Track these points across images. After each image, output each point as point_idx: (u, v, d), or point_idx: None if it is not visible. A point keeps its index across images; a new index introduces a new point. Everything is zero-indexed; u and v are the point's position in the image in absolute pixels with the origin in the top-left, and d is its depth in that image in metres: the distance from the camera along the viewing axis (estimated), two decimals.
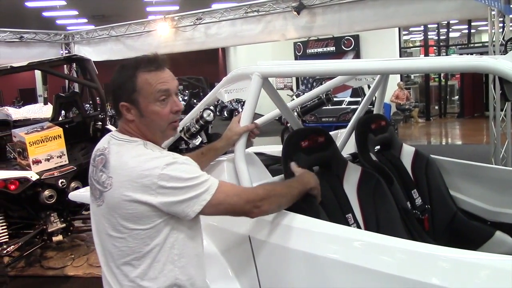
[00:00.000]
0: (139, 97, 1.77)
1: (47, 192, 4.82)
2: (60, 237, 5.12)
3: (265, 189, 1.95)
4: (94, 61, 6.03)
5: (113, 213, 1.74)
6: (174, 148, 10.10)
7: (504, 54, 1.95)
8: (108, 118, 6.73)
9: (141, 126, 1.82)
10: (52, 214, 5.06)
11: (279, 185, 2.07)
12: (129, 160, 1.72)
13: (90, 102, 6.39)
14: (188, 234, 1.82)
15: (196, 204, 1.73)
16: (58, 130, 5.01)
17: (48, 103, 7.32)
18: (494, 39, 6.97)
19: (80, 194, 3.71)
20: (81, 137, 5.83)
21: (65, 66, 10.31)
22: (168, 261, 1.78)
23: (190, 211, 1.73)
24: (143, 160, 1.70)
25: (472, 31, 24.36)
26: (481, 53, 15.28)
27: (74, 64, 7.10)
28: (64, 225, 5.12)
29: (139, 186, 1.68)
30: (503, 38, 6.89)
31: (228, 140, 2.35)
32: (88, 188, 4.05)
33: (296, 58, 18.08)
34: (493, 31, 7.00)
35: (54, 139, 4.94)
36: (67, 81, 8.96)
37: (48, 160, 4.90)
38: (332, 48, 17.49)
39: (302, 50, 18.14)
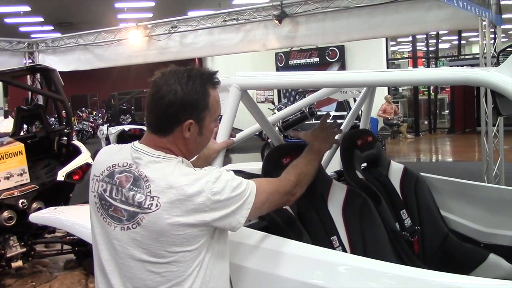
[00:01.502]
0: (207, 115, 1.83)
1: (6, 214, 4.72)
2: (19, 263, 5.02)
3: (295, 173, 2.07)
4: (60, 72, 5.97)
5: (158, 237, 1.70)
6: None
7: (496, 66, 1.98)
8: (74, 133, 6.67)
9: (190, 145, 1.85)
10: (11, 238, 4.95)
11: (303, 164, 2.14)
12: (179, 178, 1.71)
13: (55, 115, 6.31)
14: (220, 253, 1.85)
15: (244, 209, 1.80)
16: (19, 146, 4.93)
17: (9, 116, 7.23)
18: (485, 51, 7.09)
19: (42, 216, 3.64)
20: (45, 154, 5.76)
21: (28, 76, 10.19)
22: (203, 283, 1.78)
23: (240, 217, 1.79)
24: (194, 178, 1.73)
25: (463, 42, 24.84)
26: (472, 65, 15.55)
27: (38, 74, 7.02)
28: (24, 249, 5.02)
29: (192, 205, 1.69)
30: (494, 50, 7.02)
31: (206, 159, 2.32)
32: (51, 209, 3.99)
33: (278, 69, 18.20)
34: (484, 42, 7.13)
35: (14, 156, 4.87)
36: (30, 93, 8.85)
37: (7, 178, 4.82)
38: (316, 59, 17.66)
39: (284, 61, 18.26)
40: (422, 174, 3.23)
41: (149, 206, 1.70)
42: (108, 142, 12.95)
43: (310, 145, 2.33)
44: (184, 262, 1.73)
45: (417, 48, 20.10)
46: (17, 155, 4.89)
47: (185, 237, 1.70)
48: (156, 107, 1.79)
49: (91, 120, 23.66)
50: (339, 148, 3.03)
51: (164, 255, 1.71)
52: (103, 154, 1.92)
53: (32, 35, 18.44)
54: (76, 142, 5.93)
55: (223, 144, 2.32)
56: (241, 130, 3.09)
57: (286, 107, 10.57)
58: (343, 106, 12.90)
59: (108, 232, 1.79)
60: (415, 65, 19.54)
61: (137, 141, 1.86)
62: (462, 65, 17.92)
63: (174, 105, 1.75)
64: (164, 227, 1.68)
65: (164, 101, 1.76)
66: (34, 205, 4.90)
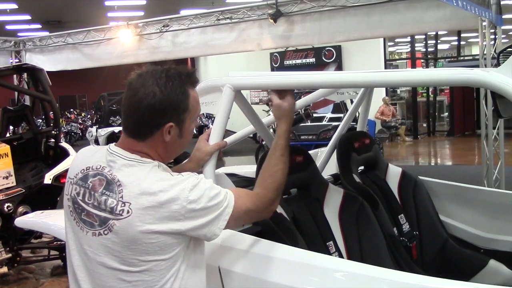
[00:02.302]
0: (187, 117, 1.80)
1: None
2: (5, 269, 4.99)
3: (274, 189, 1.99)
4: (47, 71, 5.96)
5: (129, 244, 1.67)
6: None
7: (497, 67, 1.99)
8: (62, 135, 6.64)
9: (170, 148, 1.82)
10: None
11: (280, 173, 2.02)
12: (153, 184, 1.68)
13: (42, 116, 6.29)
14: (196, 263, 1.83)
15: (220, 221, 1.76)
16: (5, 148, 4.91)
17: None
18: (485, 52, 7.12)
19: (28, 220, 3.62)
20: (31, 156, 5.73)
21: (14, 76, 10.16)
22: None
23: (216, 229, 1.76)
24: (169, 184, 1.69)
25: (462, 43, 24.97)
26: (472, 67, 15.61)
27: (25, 74, 7.00)
28: (9, 255, 4.99)
29: (166, 212, 1.65)
30: (494, 51, 7.04)
31: (198, 162, 2.31)
32: (38, 213, 3.97)
33: (273, 70, 18.18)
34: (484, 43, 7.15)
35: (0, 158, 4.84)
36: (16, 93, 8.81)
37: None
38: (312, 60, 17.66)
39: (279, 62, 18.26)
40: (420, 177, 3.23)
41: (121, 212, 1.66)
42: (97, 144, 12.91)
43: (278, 131, 2.13)
44: (158, 271, 1.70)
45: (416, 48, 20.14)
46: (2, 157, 4.86)
47: (158, 245, 1.67)
48: (134, 111, 1.74)
49: (80, 121, 23.59)
50: (335, 151, 3.03)
51: (135, 263, 1.68)
52: (79, 156, 1.89)
53: (19, 34, 18.40)
54: (64, 144, 5.91)
55: (215, 147, 2.30)
56: (235, 132, 3.09)
57: None
58: (339, 107, 12.91)
59: (80, 237, 1.76)
60: (413, 66, 19.60)
61: (114, 143, 1.83)
62: (462, 66, 17.96)
63: (153, 108, 1.71)
64: (136, 234, 1.65)
65: (142, 105, 1.71)
66: (20, 209, 4.88)
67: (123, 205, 1.66)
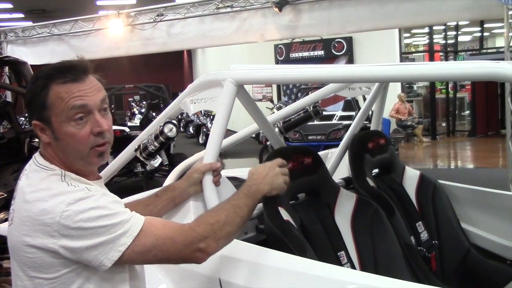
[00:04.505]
0: (51, 115, 1.69)
1: None
2: None
3: (207, 224, 1.83)
4: (31, 65, 5.98)
5: (13, 254, 1.71)
6: (128, 171, 10.01)
7: None
8: None
9: (57, 151, 1.74)
10: None
11: (224, 210, 1.91)
12: (36, 193, 1.66)
13: (26, 114, 6.30)
14: (107, 282, 1.72)
15: (112, 250, 1.63)
16: None
17: None
18: (511, 44, 7.10)
19: None
20: (14, 157, 5.75)
21: None
22: None
23: (105, 259, 1.63)
24: (50, 194, 1.64)
25: (485, 34, 24.89)
26: (496, 60, 15.57)
27: (7, 67, 7.03)
28: None
29: (39, 225, 1.61)
30: None
31: (189, 179, 2.33)
32: None
33: (277, 63, 18.21)
34: (510, 34, 7.14)
35: None
36: None
37: None
38: (321, 52, 17.68)
39: (285, 54, 18.29)
40: (440, 181, 3.23)
41: (10, 219, 1.72)
42: None
43: (247, 182, 2.04)
44: None
45: (434, 40, 20.12)
46: None
47: (36, 262, 1.64)
48: None
49: None
50: (347, 152, 3.03)
51: (21, 276, 1.68)
52: None
53: (0, 24, 18.43)
54: None
55: (207, 166, 2.31)
56: (236, 132, 3.09)
57: (286, 105, 10.60)
58: (351, 105, 12.91)
59: None
60: (431, 60, 19.57)
61: None
62: (485, 60, 17.92)
63: (25, 106, 1.81)
64: (15, 244, 1.68)
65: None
66: (2, 215, 4.91)
67: (12, 212, 1.72)
